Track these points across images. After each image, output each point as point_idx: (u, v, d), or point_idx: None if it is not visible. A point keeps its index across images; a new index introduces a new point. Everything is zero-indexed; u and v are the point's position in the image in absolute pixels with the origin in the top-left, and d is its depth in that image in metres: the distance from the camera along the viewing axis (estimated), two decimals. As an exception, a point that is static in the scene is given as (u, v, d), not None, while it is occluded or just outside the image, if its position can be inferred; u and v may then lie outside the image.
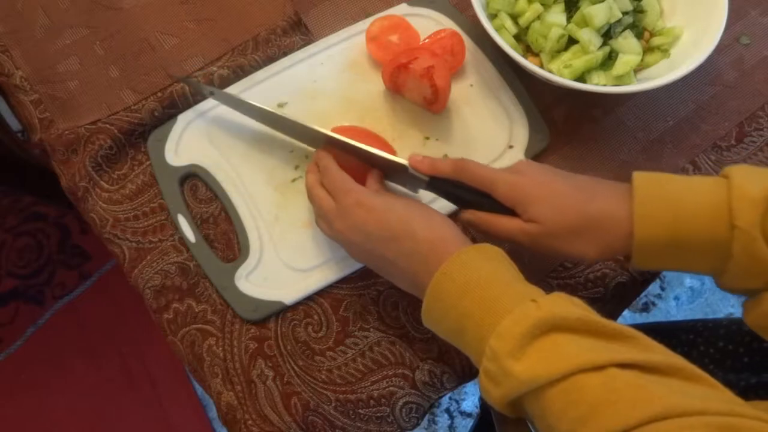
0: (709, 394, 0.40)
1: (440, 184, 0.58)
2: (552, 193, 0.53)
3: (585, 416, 0.39)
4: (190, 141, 0.70)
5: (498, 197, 0.55)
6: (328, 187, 0.58)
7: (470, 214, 0.57)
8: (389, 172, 0.61)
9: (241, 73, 0.72)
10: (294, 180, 0.67)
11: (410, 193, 0.63)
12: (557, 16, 0.68)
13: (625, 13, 0.68)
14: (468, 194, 0.57)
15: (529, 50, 0.71)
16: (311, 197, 0.60)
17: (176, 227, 0.66)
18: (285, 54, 0.74)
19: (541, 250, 0.54)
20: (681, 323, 0.71)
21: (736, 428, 0.36)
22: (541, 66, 0.69)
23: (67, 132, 0.70)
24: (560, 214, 0.52)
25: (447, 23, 0.75)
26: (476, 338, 0.46)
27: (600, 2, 0.66)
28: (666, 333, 0.70)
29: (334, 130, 0.65)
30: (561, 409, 0.40)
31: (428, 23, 0.75)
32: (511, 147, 0.69)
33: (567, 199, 0.53)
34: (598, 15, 0.65)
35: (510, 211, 0.55)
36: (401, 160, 0.59)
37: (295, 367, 0.61)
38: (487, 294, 0.47)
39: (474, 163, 0.56)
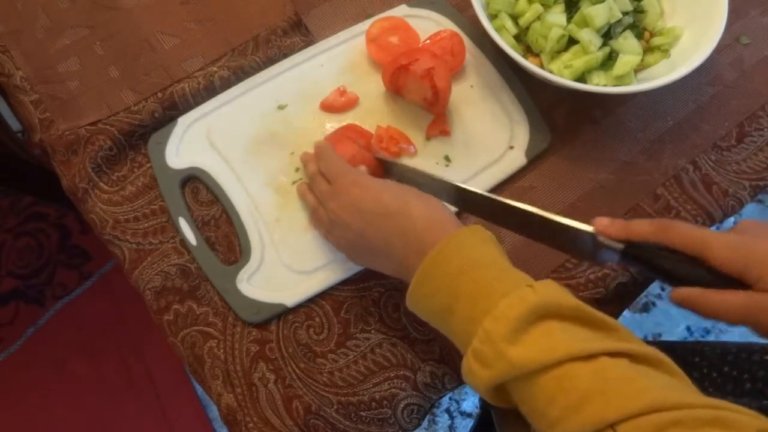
0: (691, 390, 0.41)
1: (639, 252, 0.49)
2: None
3: (576, 405, 0.39)
4: (190, 143, 0.69)
5: (713, 262, 0.46)
6: (325, 171, 0.59)
7: (678, 294, 0.48)
8: (566, 242, 0.52)
9: (241, 74, 0.72)
10: (295, 182, 0.67)
11: None
12: (557, 16, 0.68)
13: (625, 14, 0.68)
14: (675, 263, 0.48)
15: (529, 51, 0.71)
16: (311, 185, 0.60)
17: (177, 229, 0.66)
18: (285, 55, 0.74)
19: None
20: (683, 344, 0.69)
21: (723, 421, 0.36)
22: (542, 66, 0.69)
23: (67, 132, 0.70)
24: None
25: (447, 24, 0.75)
26: (466, 319, 0.46)
27: (600, 2, 0.66)
28: (666, 352, 0.69)
29: (328, 137, 0.67)
30: (551, 396, 0.41)
31: (428, 24, 0.75)
32: (511, 148, 0.69)
33: None
34: (599, 15, 0.65)
35: (727, 283, 0.46)
36: (583, 225, 0.51)
37: (297, 370, 0.61)
38: (482, 276, 0.46)
39: (680, 223, 0.48)
